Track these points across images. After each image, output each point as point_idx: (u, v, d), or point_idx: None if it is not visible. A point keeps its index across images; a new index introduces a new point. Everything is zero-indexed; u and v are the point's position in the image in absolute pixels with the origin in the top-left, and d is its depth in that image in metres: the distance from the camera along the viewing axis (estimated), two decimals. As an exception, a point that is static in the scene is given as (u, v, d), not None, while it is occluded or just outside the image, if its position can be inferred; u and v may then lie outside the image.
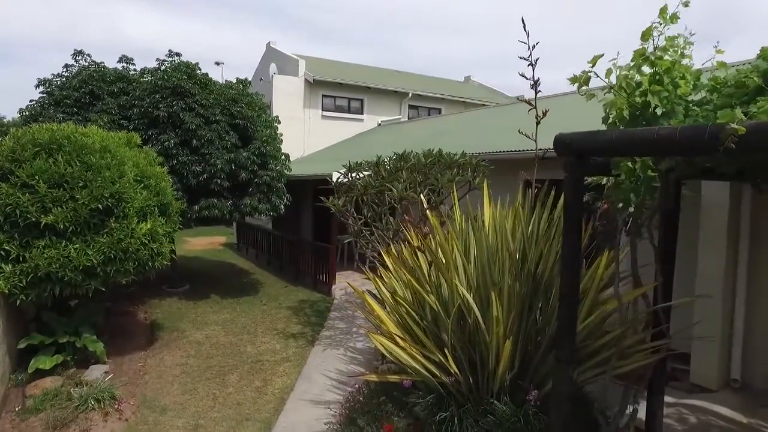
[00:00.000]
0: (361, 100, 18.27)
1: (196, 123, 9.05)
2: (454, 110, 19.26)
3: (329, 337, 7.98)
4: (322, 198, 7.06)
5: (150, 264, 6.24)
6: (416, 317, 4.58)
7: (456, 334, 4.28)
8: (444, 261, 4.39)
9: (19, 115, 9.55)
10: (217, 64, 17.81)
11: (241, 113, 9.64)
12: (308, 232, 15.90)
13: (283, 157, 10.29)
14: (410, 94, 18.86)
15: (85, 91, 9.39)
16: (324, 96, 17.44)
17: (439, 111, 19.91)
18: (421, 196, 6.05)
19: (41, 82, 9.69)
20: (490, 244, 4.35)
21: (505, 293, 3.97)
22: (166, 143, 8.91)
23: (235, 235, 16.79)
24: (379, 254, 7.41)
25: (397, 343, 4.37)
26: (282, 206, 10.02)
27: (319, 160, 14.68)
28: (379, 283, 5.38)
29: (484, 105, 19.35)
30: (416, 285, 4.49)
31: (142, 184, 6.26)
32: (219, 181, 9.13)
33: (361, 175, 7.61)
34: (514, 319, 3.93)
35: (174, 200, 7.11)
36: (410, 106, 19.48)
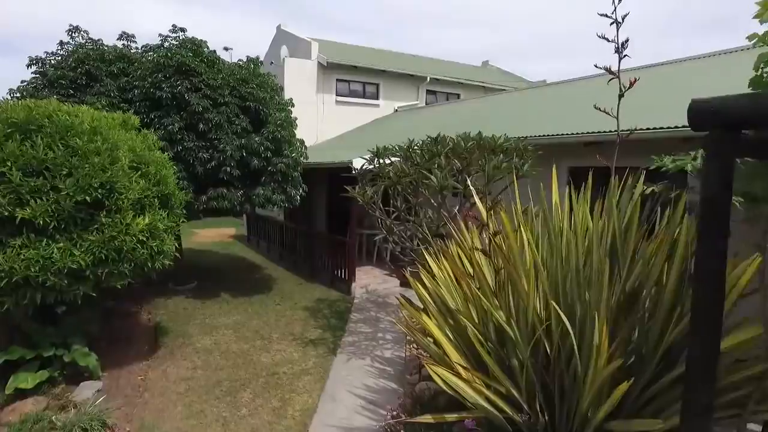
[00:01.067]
0: (377, 85, 17.22)
1: (202, 105, 8.10)
2: (473, 95, 18.16)
3: (352, 344, 7.05)
4: (347, 188, 6.09)
5: (149, 265, 5.33)
6: (481, 338, 3.63)
7: (530, 360, 3.33)
8: (517, 268, 3.42)
9: (9, 97, 8.63)
10: (226, 49, 16.75)
11: (252, 95, 8.67)
12: (322, 223, 14.97)
13: (298, 143, 9.32)
14: (428, 79, 17.78)
15: (82, 72, 8.44)
16: (338, 80, 16.42)
17: (458, 96, 18.82)
18: (470, 185, 5.07)
19: (33, 61, 8.76)
20: (575, 247, 3.37)
21: (602, 312, 3.00)
22: (170, 127, 7.98)
23: (246, 227, 15.91)
24: (413, 252, 6.47)
25: (459, 375, 3.42)
26: (298, 197, 9.07)
27: (335, 148, 13.72)
28: (423, 290, 4.42)
29: (503, 90, 18.23)
30: (483, 298, 3.52)
31: (139, 172, 5.32)
32: (228, 169, 8.19)
33: (389, 162, 6.65)
34: (619, 346, 2.96)
35: (177, 190, 6.18)
36: (428, 91, 18.41)
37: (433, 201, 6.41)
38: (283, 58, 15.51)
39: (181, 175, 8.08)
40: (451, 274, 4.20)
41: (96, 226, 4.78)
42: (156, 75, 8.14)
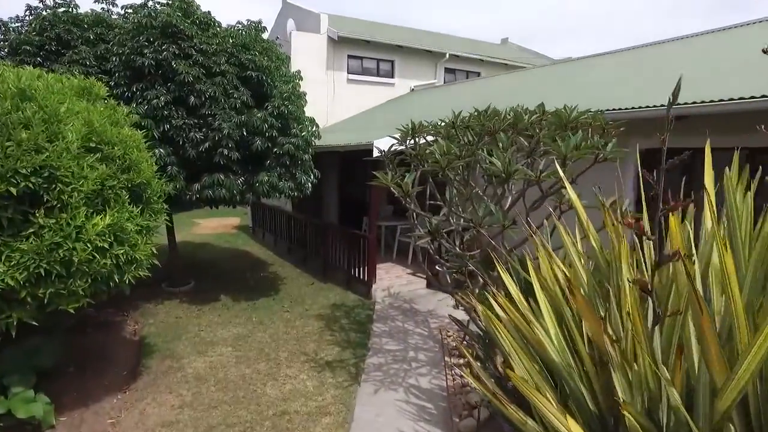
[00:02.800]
0: (392, 62, 15.63)
1: (193, 74, 6.63)
2: (494, 74, 16.53)
3: (379, 367, 5.65)
4: (376, 174, 4.63)
5: (115, 279, 3.92)
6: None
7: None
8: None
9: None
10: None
11: (254, 63, 7.18)
12: (333, 214, 13.53)
13: (308, 121, 7.84)
14: (447, 55, 16.15)
15: (50, 36, 6.97)
16: (349, 57, 14.84)
17: (478, 75, 17.21)
18: (561, 173, 3.58)
19: (-6, 26, 7.31)
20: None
21: None
22: (154, 101, 6.52)
23: (250, 217, 14.50)
24: (470, 264, 5.02)
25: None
26: (309, 184, 7.62)
27: (347, 130, 12.22)
28: (503, 330, 2.96)
29: (527, 67, 16.58)
30: (648, 368, 2.06)
31: (98, 155, 3.88)
32: (226, 151, 6.75)
33: (424, 141, 5.19)
34: None
35: (155, 179, 4.75)
36: (446, 69, 16.79)
37: (481, 193, 4.96)
38: (290, 33, 13.96)
39: (169, 159, 6.67)
40: (568, 316, 2.74)
41: (32, 229, 3.36)
42: (137, 39, 6.66)
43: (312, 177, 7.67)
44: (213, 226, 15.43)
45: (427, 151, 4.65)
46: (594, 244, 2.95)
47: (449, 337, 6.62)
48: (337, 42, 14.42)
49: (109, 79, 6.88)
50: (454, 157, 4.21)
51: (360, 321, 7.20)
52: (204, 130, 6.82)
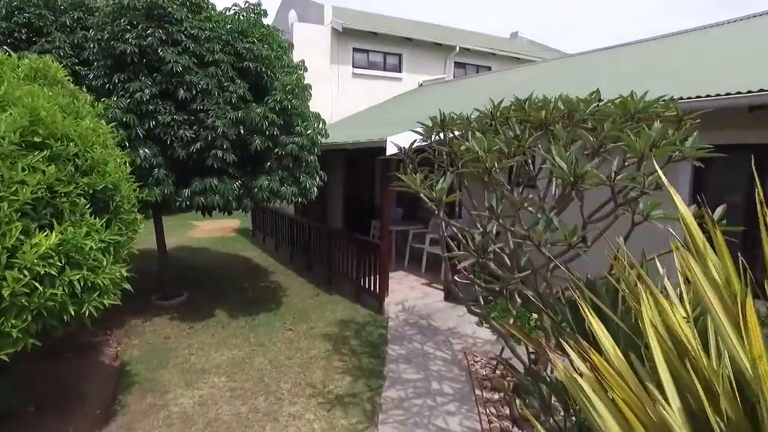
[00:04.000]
0: (399, 56, 14.73)
1: (183, 63, 5.76)
2: (505, 69, 15.62)
3: (398, 403, 4.78)
4: (398, 176, 3.74)
5: (71, 312, 3.05)
6: None
7: None
8: None
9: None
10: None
11: (253, 52, 6.30)
12: (338, 217, 12.66)
13: (313, 117, 6.95)
14: (457, 49, 15.24)
15: (19, 22, 6.10)
16: (355, 50, 13.94)
17: (489, 69, 16.30)
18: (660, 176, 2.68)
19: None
20: None
21: None
22: (138, 95, 5.65)
23: (250, 219, 13.63)
24: (517, 283, 4.12)
25: None
26: (315, 189, 6.73)
27: (354, 126, 11.34)
28: (596, 403, 2.05)
29: (541, 61, 15.66)
30: None
31: (46, 152, 3.00)
32: (220, 152, 5.88)
33: (453, 136, 4.31)
34: None
35: (127, 182, 3.88)
36: (456, 64, 15.88)
37: (528, 207, 4.07)
38: (291, 24, 13.07)
39: (156, 160, 5.80)
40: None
41: (-53, 254, 2.48)
42: (118, 22, 5.78)
43: (318, 180, 6.79)
44: (211, 229, 14.57)
45: (463, 148, 3.76)
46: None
47: (476, 362, 5.74)
48: (342, 34, 13.52)
49: (89, 70, 6.03)
50: (500, 154, 3.32)
51: (372, 342, 6.32)
52: (195, 127, 5.95)
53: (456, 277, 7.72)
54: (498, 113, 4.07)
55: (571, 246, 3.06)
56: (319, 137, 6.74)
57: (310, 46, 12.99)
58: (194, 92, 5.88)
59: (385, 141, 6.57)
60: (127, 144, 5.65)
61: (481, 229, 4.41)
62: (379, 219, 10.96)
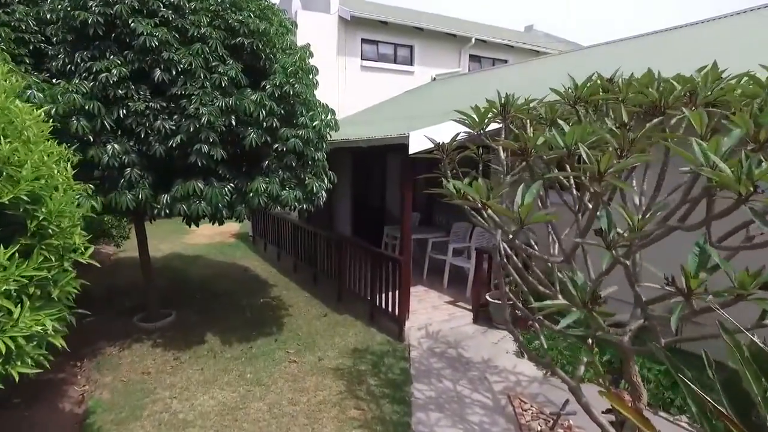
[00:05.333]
0: (411, 47, 13.52)
1: (160, 38, 4.58)
2: (523, 61, 14.40)
3: (437, 478, 3.59)
4: (454, 185, 2.55)
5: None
6: None
7: None
8: None
9: None
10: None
11: (248, 26, 5.12)
12: (345, 223, 11.48)
13: (320, 107, 5.75)
14: (473, 40, 14.03)
15: (-33, -12, 4.94)
16: (363, 41, 12.75)
17: (505, 63, 15.10)
18: None
19: None
20: None
21: None
22: (104, 76, 4.47)
23: (250, 224, 12.45)
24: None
25: None
26: (323, 192, 5.53)
27: (364, 123, 10.14)
28: None
29: (558, 54, 14.44)
30: None
31: None
32: (206, 147, 4.69)
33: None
34: None
35: (65, 187, 2.70)
36: (471, 57, 14.66)
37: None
38: (295, 12, 11.89)
39: (128, 158, 4.62)
40: None
41: None
42: (80, -13, 4.60)
43: (327, 182, 5.60)
44: (208, 234, 13.39)
45: (541, 141, 2.56)
46: None
47: (526, 410, 4.54)
48: (350, 23, 12.33)
49: (52, 48, 4.86)
50: (610, 152, 2.12)
51: (394, 380, 5.13)
52: (176, 117, 4.76)
53: (487, 296, 6.54)
54: (582, 95, 2.87)
55: (742, 297, 1.85)
56: (327, 130, 5.55)
57: (316, 36, 11.77)
58: (174, 74, 4.70)
59: (407, 137, 5.40)
60: (91, 138, 4.49)
61: (557, 256, 3.24)
62: (391, 225, 9.78)
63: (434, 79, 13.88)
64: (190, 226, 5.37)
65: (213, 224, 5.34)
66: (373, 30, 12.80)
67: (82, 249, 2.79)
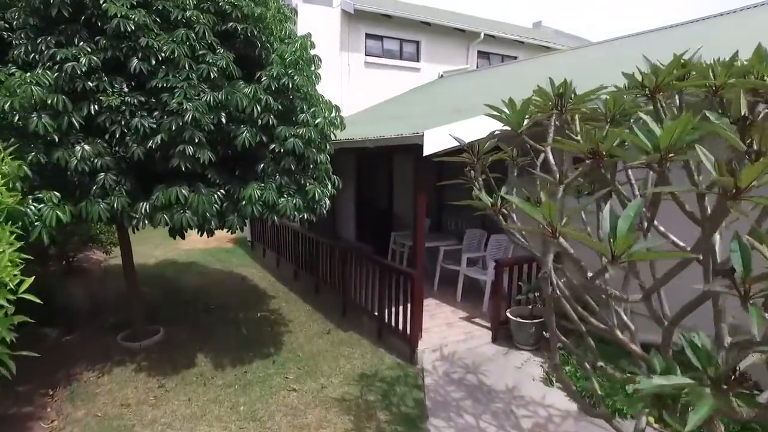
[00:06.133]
0: (417, 43, 12.84)
1: (137, 21, 3.91)
2: (533, 57, 13.71)
3: None
4: (517, 203, 1.85)
5: None
6: None
7: None
8: None
9: None
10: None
11: (241, 10, 4.44)
12: (349, 228, 10.82)
13: (323, 103, 5.07)
14: (482, 36, 13.34)
15: None
16: (368, 36, 12.07)
17: (515, 59, 14.40)
18: None
19: None
20: None
21: None
22: (70, 65, 3.80)
23: (249, 229, 11.77)
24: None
25: None
26: (327, 200, 4.84)
27: (369, 122, 9.46)
28: None
29: (570, 50, 13.74)
30: None
31: None
32: (191, 148, 4.01)
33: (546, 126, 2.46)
34: None
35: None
36: (480, 53, 13.97)
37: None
38: (295, 4, 11.22)
39: (102, 161, 3.96)
40: None
41: None
42: (44, -38, 3.93)
43: (331, 188, 4.92)
44: (205, 239, 12.65)
45: (623, 143, 1.88)
46: None
47: (563, 456, 3.86)
48: (354, 16, 11.65)
49: (9, 34, 4.19)
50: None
51: (407, 415, 4.46)
52: (157, 113, 4.09)
53: (508, 313, 5.87)
54: (663, 83, 2.19)
55: None
56: (332, 129, 4.87)
57: (317, 30, 11.09)
58: (155, 64, 4.03)
59: (421, 136, 4.72)
60: (56, 138, 3.82)
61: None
62: (399, 230, 9.11)
63: (441, 76, 13.20)
64: (174, 238, 4.70)
65: (201, 235, 4.67)
66: (378, 24, 12.11)
67: (12, 286, 2.10)
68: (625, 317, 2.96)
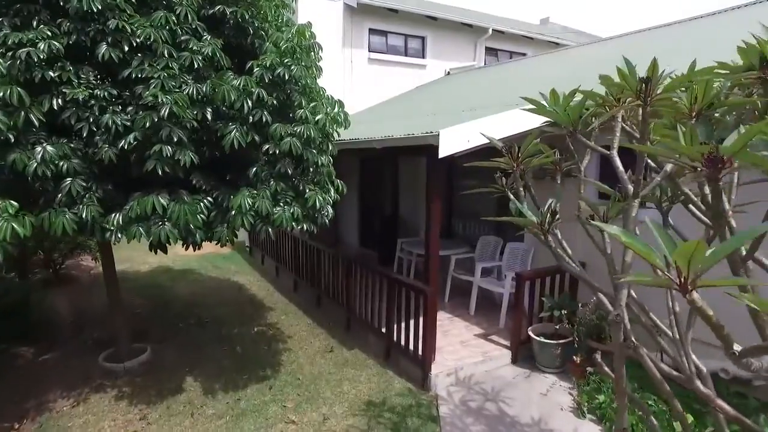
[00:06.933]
0: (423, 39, 12.23)
1: (104, 0, 3.31)
2: (543, 53, 13.08)
3: None
4: (632, 242, 1.21)
5: None
6: None
7: None
8: None
9: None
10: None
11: (230, -8, 3.84)
12: (352, 233, 10.23)
13: (324, 98, 4.46)
14: (490, 31, 12.74)
15: None
16: (371, 31, 11.47)
17: (524, 56, 13.78)
18: None
19: None
20: None
21: None
22: (25, 52, 3.20)
23: (247, 234, 11.16)
24: None
25: None
26: (329, 209, 4.22)
27: (373, 121, 8.85)
28: None
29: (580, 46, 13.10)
30: None
31: None
32: (169, 149, 3.40)
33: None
34: None
35: None
36: (488, 49, 13.36)
37: None
38: (296, -2, 10.66)
39: (67, 165, 3.36)
40: None
41: None
42: (-3, -69, 3.33)
43: (334, 194, 4.30)
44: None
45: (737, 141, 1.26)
46: None
47: None
48: (357, 11, 11.04)
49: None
50: None
51: (423, 456, 3.85)
52: (131, 108, 3.48)
53: (530, 331, 5.26)
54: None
55: None
56: (334, 127, 4.26)
57: (319, 25, 10.49)
58: (128, 49, 3.42)
59: (436, 136, 4.12)
60: (11, 138, 3.22)
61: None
62: (406, 237, 8.50)
63: (448, 73, 12.58)
64: (156, 253, 4.10)
65: (186, 249, 4.07)
66: (382, 19, 11.50)
67: None
68: (698, 361, 2.34)
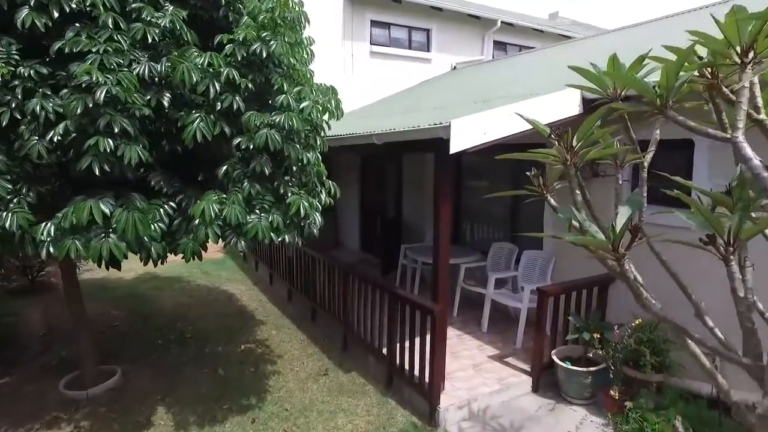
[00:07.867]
0: (428, 31, 11.46)
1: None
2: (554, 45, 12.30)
3: None
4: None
5: None
6: None
7: None
8: None
9: None
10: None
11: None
12: (352, 238, 9.48)
13: (314, 85, 3.70)
14: (498, 24, 11.96)
15: None
16: (373, 23, 10.71)
17: (533, 50, 13.01)
18: None
19: None
20: None
21: None
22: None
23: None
24: None
25: None
26: (318, 217, 3.45)
27: (376, 116, 8.09)
28: None
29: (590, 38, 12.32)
30: None
31: None
32: (109, 143, 2.66)
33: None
34: None
35: None
36: (496, 43, 12.57)
37: None
38: (293, -12, 9.92)
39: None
40: None
41: None
42: None
43: (325, 198, 3.54)
44: (196, 248, 11.38)
45: None
46: None
47: None
48: (357, 1, 10.28)
49: None
50: None
51: None
52: (67, 91, 2.74)
53: (554, 356, 4.50)
54: None
55: None
56: (325, 117, 3.50)
57: (317, 16, 9.74)
58: (57, 16, 2.68)
59: (447, 127, 3.37)
60: None
61: None
62: (410, 243, 7.74)
63: (454, 67, 11.81)
64: (108, 269, 3.35)
65: (145, 265, 3.33)
66: (385, 10, 10.73)
67: None
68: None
